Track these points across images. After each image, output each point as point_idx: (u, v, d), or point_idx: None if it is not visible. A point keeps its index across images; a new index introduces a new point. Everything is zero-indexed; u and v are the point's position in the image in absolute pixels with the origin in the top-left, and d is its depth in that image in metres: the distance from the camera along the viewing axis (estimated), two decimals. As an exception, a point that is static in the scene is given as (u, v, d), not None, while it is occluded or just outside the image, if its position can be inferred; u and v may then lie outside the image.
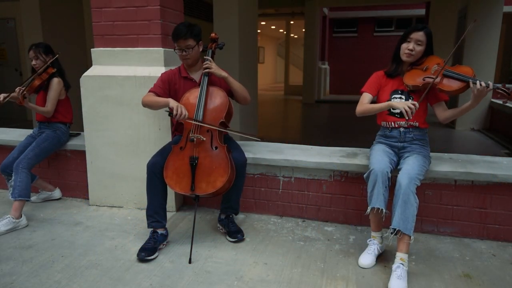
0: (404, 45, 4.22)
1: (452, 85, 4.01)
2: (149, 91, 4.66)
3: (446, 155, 5.07)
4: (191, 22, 4.53)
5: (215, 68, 4.48)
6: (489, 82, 3.77)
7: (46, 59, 5.46)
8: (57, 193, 5.92)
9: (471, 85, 3.83)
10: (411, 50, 4.18)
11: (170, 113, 4.30)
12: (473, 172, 4.49)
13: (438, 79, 4.06)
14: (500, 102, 12.72)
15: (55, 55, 5.53)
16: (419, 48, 4.19)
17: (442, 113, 4.24)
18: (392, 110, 4.31)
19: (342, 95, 25.52)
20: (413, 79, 4.19)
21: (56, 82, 5.44)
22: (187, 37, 4.42)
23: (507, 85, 3.84)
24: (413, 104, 3.89)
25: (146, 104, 4.62)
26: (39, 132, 5.56)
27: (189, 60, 4.59)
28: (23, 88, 5.23)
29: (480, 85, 3.76)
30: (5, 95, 5.25)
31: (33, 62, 5.44)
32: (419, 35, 4.16)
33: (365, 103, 4.40)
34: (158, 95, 4.62)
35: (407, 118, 3.90)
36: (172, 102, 4.32)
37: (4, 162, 5.28)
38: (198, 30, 4.51)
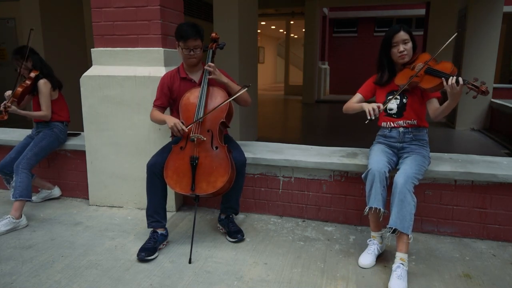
0: (394, 50, 4.26)
1: (430, 82, 4.05)
2: (153, 105, 4.76)
3: (446, 155, 5.07)
4: (193, 22, 4.53)
5: (218, 74, 4.50)
6: (459, 78, 3.78)
7: (26, 64, 5.44)
8: (56, 191, 5.92)
9: (444, 82, 3.85)
10: (403, 51, 4.21)
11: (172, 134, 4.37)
12: (473, 172, 4.49)
13: (420, 77, 4.11)
14: (498, 101, 12.71)
15: (36, 56, 5.51)
16: (409, 46, 4.23)
17: (433, 110, 4.24)
18: (388, 111, 4.35)
19: (342, 95, 25.44)
20: (401, 79, 4.23)
21: (42, 84, 5.41)
22: (196, 37, 4.43)
23: (480, 83, 3.82)
24: (378, 106, 4.05)
25: (153, 121, 4.76)
26: (37, 132, 5.56)
27: (195, 60, 4.59)
28: (7, 102, 5.20)
29: (451, 81, 3.78)
30: None
31: (19, 71, 5.44)
32: (402, 34, 4.21)
33: (353, 102, 4.52)
34: (161, 106, 4.72)
35: (369, 117, 4.03)
36: (169, 123, 4.36)
37: (1, 162, 5.28)
38: (202, 30, 4.53)
